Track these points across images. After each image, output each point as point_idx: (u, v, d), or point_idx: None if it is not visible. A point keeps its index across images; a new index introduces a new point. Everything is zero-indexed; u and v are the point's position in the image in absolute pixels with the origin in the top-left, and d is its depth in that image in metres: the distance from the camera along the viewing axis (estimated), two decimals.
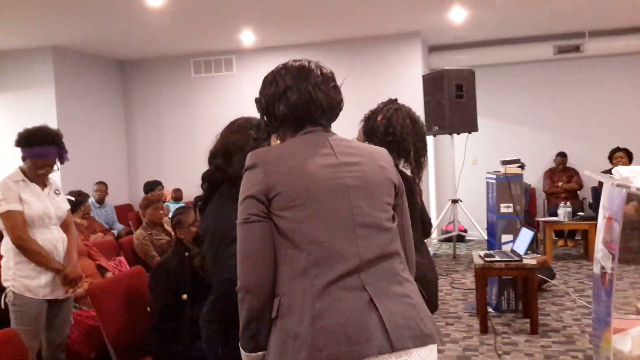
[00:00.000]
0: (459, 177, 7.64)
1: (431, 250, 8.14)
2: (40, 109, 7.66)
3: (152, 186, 7.84)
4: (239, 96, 8.64)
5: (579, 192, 8.62)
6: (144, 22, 6.85)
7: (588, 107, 9.03)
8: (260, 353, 1.62)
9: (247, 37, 7.90)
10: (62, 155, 3.34)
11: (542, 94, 9.20)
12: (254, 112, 2.33)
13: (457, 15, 7.21)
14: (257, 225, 1.59)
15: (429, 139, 8.29)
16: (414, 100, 7.38)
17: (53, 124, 3.43)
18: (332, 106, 1.75)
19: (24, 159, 3.31)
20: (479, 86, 7.49)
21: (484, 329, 4.73)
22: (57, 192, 3.46)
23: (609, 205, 2.65)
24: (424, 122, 7.09)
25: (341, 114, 1.81)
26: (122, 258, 4.90)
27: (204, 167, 2.27)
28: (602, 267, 2.63)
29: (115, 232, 7.19)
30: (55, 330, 3.37)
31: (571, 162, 8.76)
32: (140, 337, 3.27)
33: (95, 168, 8.22)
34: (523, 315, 5.07)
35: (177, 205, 7.78)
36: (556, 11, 7.35)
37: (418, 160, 2.47)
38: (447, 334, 4.72)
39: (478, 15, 7.27)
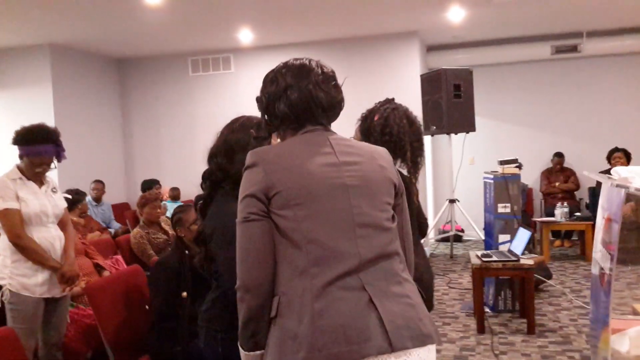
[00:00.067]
0: (457, 177, 7.65)
1: (428, 250, 8.14)
2: (38, 107, 7.64)
3: (149, 185, 7.83)
4: (236, 95, 8.64)
5: (576, 192, 8.63)
6: (142, 20, 6.84)
7: (585, 107, 9.05)
8: (258, 352, 1.62)
9: (245, 35, 7.89)
10: (59, 154, 3.33)
11: (539, 94, 9.21)
12: (252, 111, 2.34)
13: (456, 15, 7.22)
14: (256, 224, 1.59)
15: (427, 139, 8.36)
16: (412, 100, 7.37)
17: (50, 122, 3.41)
18: (333, 105, 1.75)
19: (21, 157, 3.30)
20: (476, 86, 7.50)
21: (480, 329, 4.73)
22: (55, 190, 3.45)
23: (608, 205, 2.66)
24: (422, 122, 7.10)
25: None
26: (119, 257, 4.89)
27: (202, 165, 2.26)
28: (601, 268, 2.63)
29: (112, 230, 7.18)
30: (51, 329, 3.36)
31: (568, 163, 8.78)
32: (137, 336, 3.27)
33: (92, 166, 8.20)
34: (520, 315, 5.08)
35: (174, 204, 7.77)
36: (554, 11, 7.36)
37: (415, 161, 2.47)
38: (444, 334, 4.72)
39: (476, 15, 7.27)
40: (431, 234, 8.14)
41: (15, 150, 3.30)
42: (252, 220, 1.59)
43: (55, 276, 3.26)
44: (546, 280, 5.94)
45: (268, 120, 1.77)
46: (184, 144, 9.00)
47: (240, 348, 1.66)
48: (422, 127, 2.56)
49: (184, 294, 3.12)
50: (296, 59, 1.77)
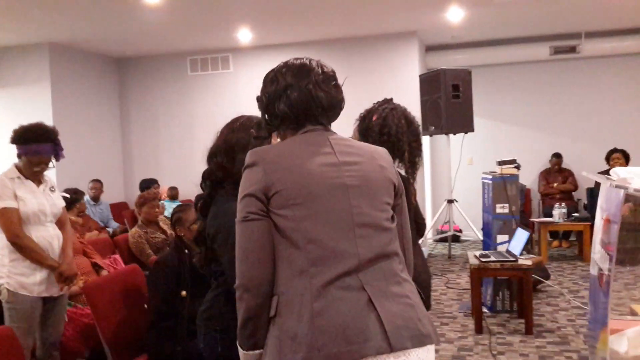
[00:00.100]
0: (455, 177, 7.65)
1: (426, 250, 8.14)
2: (36, 106, 7.63)
3: (148, 184, 7.81)
4: (235, 94, 8.63)
5: (574, 193, 8.64)
6: (141, 20, 6.83)
7: (584, 108, 9.06)
8: (257, 351, 1.62)
9: (244, 35, 7.89)
10: (57, 153, 3.32)
11: (538, 95, 9.22)
12: (250, 111, 2.34)
13: (455, 15, 7.22)
14: (256, 224, 1.59)
15: (425, 139, 8.37)
16: (411, 100, 7.38)
17: (49, 121, 3.41)
18: (333, 105, 1.75)
19: (19, 156, 3.30)
20: (475, 86, 7.50)
21: (478, 329, 4.74)
22: (53, 189, 3.45)
23: (607, 206, 2.66)
24: (421, 122, 7.11)
25: None
26: (117, 256, 4.89)
27: (201, 165, 2.25)
28: (600, 269, 2.64)
29: (110, 230, 7.17)
30: (49, 328, 3.36)
31: (566, 163, 8.79)
32: (136, 336, 3.26)
33: (90, 165, 8.19)
34: (518, 315, 5.08)
35: (172, 204, 7.77)
36: (553, 12, 7.36)
37: (413, 161, 2.47)
38: (442, 334, 4.72)
39: (475, 15, 7.27)
40: (429, 234, 8.14)
41: (13, 149, 3.29)
42: (252, 220, 1.59)
43: (53, 275, 3.25)
44: (544, 281, 5.95)
45: (268, 120, 1.77)
46: (183, 144, 8.99)
47: (239, 347, 1.66)
48: (420, 128, 2.56)
49: (184, 293, 3.11)
50: (297, 59, 1.77)
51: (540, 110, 9.22)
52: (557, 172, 8.69)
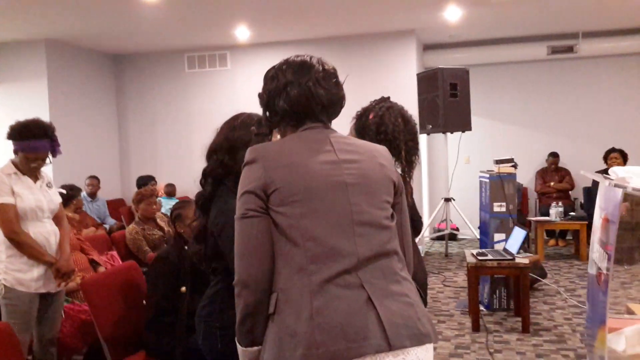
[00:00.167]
0: (452, 175, 7.66)
1: (423, 249, 8.16)
2: (33, 102, 7.60)
3: (145, 181, 7.80)
4: (232, 92, 8.62)
5: (570, 192, 8.66)
6: (138, 16, 6.81)
7: (581, 108, 9.08)
8: (256, 348, 1.62)
9: (242, 32, 7.87)
10: (54, 149, 3.31)
11: (535, 94, 9.24)
12: (247, 108, 2.34)
13: (453, 14, 7.22)
14: (255, 221, 1.59)
15: (423, 137, 8.38)
16: (408, 99, 7.40)
17: (45, 118, 3.40)
18: (333, 102, 1.74)
19: (16, 152, 3.28)
20: (472, 85, 7.51)
21: (475, 327, 4.75)
22: (49, 185, 3.44)
23: (605, 205, 2.66)
24: (418, 121, 7.11)
25: None
26: (114, 253, 4.88)
27: (198, 162, 2.25)
28: (598, 268, 2.64)
29: (107, 226, 7.15)
30: (46, 324, 3.35)
31: (563, 162, 8.80)
32: (133, 332, 3.26)
33: (87, 162, 8.17)
34: (515, 313, 5.10)
35: (169, 200, 7.76)
36: (550, 12, 7.37)
37: (409, 160, 2.47)
38: (439, 332, 4.72)
39: (473, 14, 7.28)
40: (426, 232, 8.15)
41: (9, 145, 3.28)
42: (251, 217, 1.59)
43: (50, 271, 3.25)
44: (541, 279, 5.96)
45: (268, 117, 1.77)
46: (180, 141, 8.97)
47: (237, 344, 1.66)
48: (417, 126, 2.55)
49: (183, 289, 3.11)
50: (297, 56, 1.77)
51: (537, 109, 9.23)
52: (553, 171, 8.71)
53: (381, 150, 1.78)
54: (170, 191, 8.21)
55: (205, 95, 8.94)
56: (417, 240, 2.70)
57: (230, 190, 2.06)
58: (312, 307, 1.51)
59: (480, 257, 4.79)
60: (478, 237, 6.46)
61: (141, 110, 9.22)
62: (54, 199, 3.42)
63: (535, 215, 8.32)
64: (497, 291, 5.30)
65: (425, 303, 2.52)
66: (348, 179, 1.63)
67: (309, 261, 1.54)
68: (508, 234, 5.20)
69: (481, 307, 5.16)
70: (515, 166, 5.63)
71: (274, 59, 1.81)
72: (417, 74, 7.91)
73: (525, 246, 5.58)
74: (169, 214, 5.91)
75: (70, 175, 7.09)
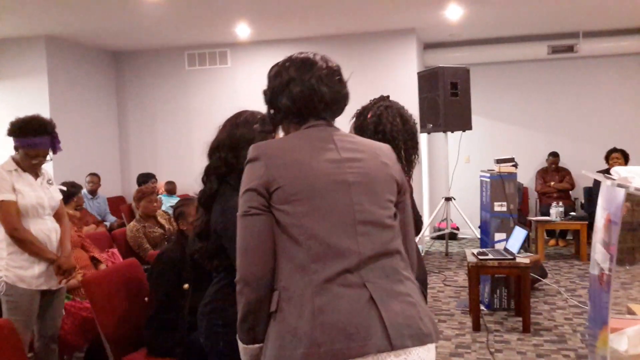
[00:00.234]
0: (453, 175, 7.66)
1: (424, 248, 8.15)
2: (33, 99, 7.59)
3: (145, 178, 7.78)
4: (233, 90, 8.61)
5: (571, 192, 8.65)
6: (139, 14, 6.80)
7: (581, 107, 9.08)
8: (257, 345, 1.62)
9: (243, 30, 7.86)
10: (55, 145, 3.30)
11: (535, 94, 9.23)
12: (248, 106, 2.34)
13: (453, 13, 7.21)
14: (257, 219, 1.58)
15: (423, 137, 8.38)
16: (409, 98, 7.40)
17: (46, 114, 3.39)
18: (336, 100, 1.74)
19: (16, 148, 3.27)
20: (472, 84, 7.50)
21: (476, 327, 4.74)
22: (50, 182, 3.43)
23: (607, 205, 2.65)
24: (419, 120, 7.09)
25: None
26: (115, 250, 4.87)
27: (198, 159, 2.24)
28: (600, 268, 2.63)
29: (107, 224, 7.14)
30: (47, 321, 3.35)
31: (563, 162, 8.80)
32: (135, 329, 3.26)
33: (87, 159, 8.16)
34: (515, 313, 5.09)
35: (170, 198, 7.75)
36: (551, 11, 7.37)
37: (409, 159, 2.46)
38: (440, 331, 4.72)
39: (474, 13, 7.27)
40: (426, 231, 8.15)
41: (10, 142, 3.26)
42: (253, 215, 1.58)
43: (51, 268, 3.24)
44: (542, 279, 5.96)
45: (272, 114, 1.76)
46: (180, 138, 8.97)
47: (238, 341, 1.66)
48: (416, 126, 2.54)
49: (186, 285, 3.11)
50: (300, 53, 1.76)
51: (537, 109, 9.23)
52: (554, 171, 8.70)
53: (384, 148, 1.78)
54: (171, 189, 8.20)
55: (205, 92, 8.92)
56: (417, 239, 2.69)
57: (233, 188, 2.05)
58: (314, 306, 1.50)
59: (481, 257, 4.78)
60: (478, 236, 6.46)
61: (141, 108, 9.21)
62: (55, 196, 3.41)
63: (536, 215, 8.31)
64: (498, 291, 5.29)
65: (425, 302, 2.52)
66: (350, 178, 1.63)
67: (311, 260, 1.54)
68: (509, 233, 5.20)
69: (482, 307, 5.16)
70: (515, 166, 5.63)
71: (274, 56, 1.80)
72: (418, 73, 7.90)
73: (525, 246, 5.58)
74: (169, 212, 5.93)
75: (71, 172, 7.07)
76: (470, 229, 7.40)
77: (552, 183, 8.56)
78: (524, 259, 4.73)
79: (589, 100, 9.05)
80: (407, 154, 2.45)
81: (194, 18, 7.19)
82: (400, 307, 1.56)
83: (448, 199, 7.65)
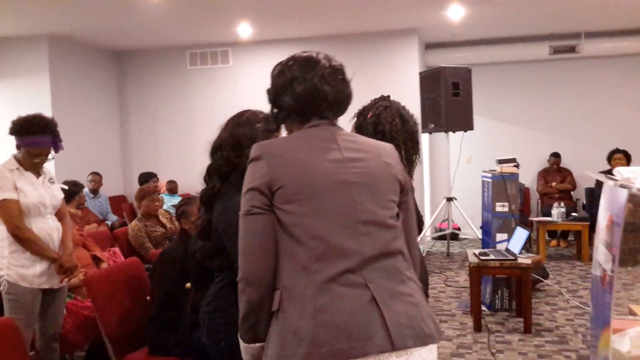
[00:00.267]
0: (454, 175, 7.65)
1: (425, 248, 8.15)
2: (35, 98, 7.58)
3: (146, 178, 7.79)
4: (234, 89, 8.60)
5: (572, 192, 8.64)
6: (141, 13, 6.80)
7: (583, 108, 9.07)
8: (258, 344, 1.62)
9: (244, 29, 7.85)
10: (56, 144, 3.30)
11: (537, 94, 9.22)
12: (249, 105, 2.34)
13: (455, 13, 7.20)
14: (259, 218, 1.58)
15: (425, 137, 8.37)
16: (411, 98, 7.39)
17: (47, 113, 3.39)
18: (339, 99, 1.73)
19: (18, 147, 3.27)
20: (474, 85, 7.49)
21: (477, 327, 4.74)
22: (52, 180, 3.43)
23: (610, 206, 2.65)
24: (420, 120, 7.08)
25: None
26: (116, 249, 4.87)
27: (200, 159, 2.24)
28: (603, 269, 2.63)
29: (109, 223, 7.15)
30: (49, 320, 3.34)
31: (565, 163, 8.79)
32: (136, 328, 3.26)
33: (89, 158, 8.16)
34: (516, 314, 5.09)
35: (172, 197, 7.76)
36: (552, 11, 7.36)
37: (409, 159, 2.46)
38: (441, 331, 4.72)
39: (475, 13, 7.26)
40: (428, 231, 8.14)
41: (12, 141, 3.26)
42: (255, 214, 1.59)
43: (53, 267, 3.24)
44: (543, 280, 5.95)
45: (275, 113, 1.76)
46: (181, 138, 8.97)
47: (240, 340, 1.66)
48: (417, 125, 2.53)
49: (188, 284, 3.11)
50: (304, 52, 1.76)
51: (539, 109, 9.22)
52: (555, 171, 8.69)
53: (388, 148, 1.77)
54: (172, 188, 8.20)
55: (207, 92, 8.92)
56: (418, 239, 2.69)
57: (235, 187, 2.05)
58: (315, 305, 1.50)
59: (482, 257, 4.78)
60: (480, 237, 6.45)
61: (143, 107, 9.21)
62: (57, 194, 3.41)
63: (537, 216, 8.30)
64: (499, 291, 5.29)
65: (427, 301, 2.52)
66: (353, 178, 1.62)
67: (313, 260, 1.54)
68: (510, 234, 5.19)
69: (483, 307, 5.15)
70: (517, 166, 5.62)
71: (275, 56, 1.80)
72: (420, 73, 7.90)
73: (526, 246, 5.57)
74: (171, 211, 5.93)
75: (72, 171, 7.07)
76: (472, 230, 7.40)
77: (554, 184, 8.55)
78: (525, 260, 4.73)
79: (590, 100, 9.04)
80: (408, 154, 2.44)
81: (196, 17, 7.19)
82: (402, 307, 1.56)
83: (449, 199, 7.64)
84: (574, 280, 6.34)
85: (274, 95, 1.74)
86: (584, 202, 8.55)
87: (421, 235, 4.86)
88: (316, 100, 1.69)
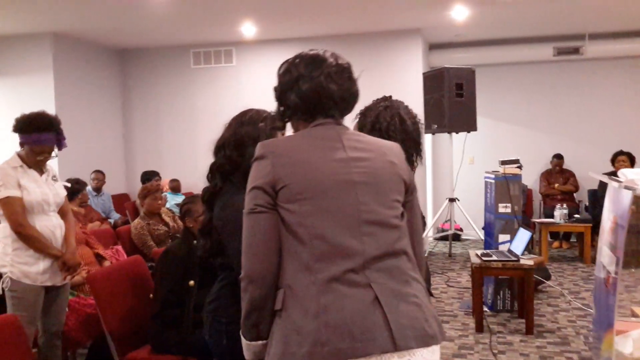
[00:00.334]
0: (457, 176, 7.64)
1: (427, 249, 8.14)
2: (39, 95, 7.60)
3: (149, 176, 7.79)
4: (238, 88, 8.60)
5: (575, 194, 8.63)
6: (145, 11, 6.81)
7: (586, 110, 9.05)
8: (260, 342, 1.62)
9: (248, 29, 7.86)
10: (60, 142, 3.30)
11: (541, 95, 9.21)
12: (252, 105, 2.34)
13: (459, 14, 7.19)
14: (262, 216, 1.59)
15: (428, 137, 8.36)
16: (414, 98, 7.38)
17: (51, 111, 3.39)
18: (345, 98, 1.73)
19: (21, 144, 3.27)
20: (478, 85, 7.47)
21: (479, 328, 4.74)
22: (55, 178, 3.43)
23: (614, 207, 2.65)
24: (423, 120, 7.08)
25: None
26: (119, 247, 4.87)
27: (203, 158, 2.25)
28: (607, 271, 2.63)
29: (111, 221, 7.16)
30: (51, 317, 3.35)
31: (568, 164, 8.78)
32: (139, 326, 3.26)
33: (92, 156, 8.17)
34: (518, 315, 5.08)
35: (175, 196, 7.76)
36: (557, 13, 7.34)
37: (409, 159, 2.45)
38: (445, 333, 4.71)
39: (480, 14, 7.25)
40: (430, 232, 8.13)
41: (16, 138, 3.27)
42: (259, 212, 1.59)
43: (56, 264, 3.24)
44: (545, 281, 5.94)
45: (281, 111, 1.76)
46: (184, 136, 8.97)
47: (242, 337, 1.67)
48: (418, 125, 2.51)
49: (191, 282, 3.11)
50: (311, 50, 1.76)
51: (542, 110, 9.21)
52: (558, 173, 8.68)
53: (393, 147, 1.77)
54: (175, 186, 8.20)
55: (210, 91, 8.93)
56: None
57: (236, 186, 2.06)
58: (318, 305, 1.50)
59: (485, 258, 4.78)
60: (482, 237, 6.44)
61: (146, 105, 9.22)
62: (60, 192, 3.41)
63: (540, 217, 8.29)
64: (501, 292, 5.28)
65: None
66: (356, 178, 1.62)
67: (315, 259, 1.54)
68: (513, 235, 5.19)
69: (485, 308, 5.14)
70: (520, 167, 5.61)
71: (279, 56, 1.80)
72: (423, 74, 7.89)
73: (528, 248, 5.56)
74: (173, 210, 5.94)
75: (75, 169, 7.09)
76: (474, 230, 7.38)
77: (556, 185, 8.54)
78: (527, 261, 4.72)
79: (594, 102, 9.02)
80: (407, 153, 2.43)
81: (200, 16, 7.19)
82: (406, 308, 1.56)
83: (452, 200, 7.63)
84: (576, 281, 6.33)
85: (280, 93, 1.74)
86: (587, 203, 8.52)
87: (423, 235, 4.87)
88: (322, 99, 1.69)
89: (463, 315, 5.20)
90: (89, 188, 6.94)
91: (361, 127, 2.46)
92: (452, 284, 6.32)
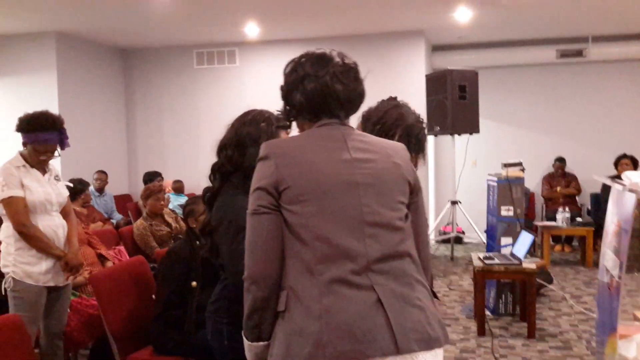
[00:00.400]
0: (459, 178, 7.63)
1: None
2: (42, 95, 7.61)
3: (151, 177, 7.79)
4: (241, 89, 8.61)
5: (577, 197, 8.62)
6: (148, 11, 6.82)
7: (589, 113, 9.04)
8: (262, 343, 1.62)
9: (251, 29, 7.86)
10: (63, 141, 3.29)
11: (543, 98, 9.20)
12: (255, 105, 2.34)
13: (463, 16, 7.20)
14: (265, 217, 1.58)
15: (430, 139, 8.35)
16: (417, 100, 7.38)
17: (54, 110, 3.39)
18: (351, 98, 1.72)
19: (24, 144, 3.27)
20: (480, 88, 7.47)
21: (481, 332, 4.72)
22: (57, 178, 3.42)
23: (617, 211, 2.64)
24: (426, 122, 7.07)
25: None
26: (122, 247, 4.87)
27: (205, 158, 2.24)
28: (611, 275, 2.62)
29: (114, 221, 7.15)
30: (53, 318, 3.34)
31: (570, 168, 8.76)
32: (141, 327, 3.25)
33: (95, 156, 8.18)
34: (520, 319, 5.06)
35: (177, 197, 7.76)
36: (560, 15, 7.35)
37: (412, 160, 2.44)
38: (448, 336, 4.69)
39: (483, 16, 7.25)
40: (432, 235, 8.13)
41: (19, 137, 3.26)
42: (261, 213, 1.59)
43: (59, 265, 3.24)
44: (547, 285, 5.92)
45: (287, 110, 1.75)
46: (187, 137, 8.98)
47: (244, 338, 1.66)
48: (421, 124, 2.49)
49: (194, 283, 3.11)
50: (318, 49, 1.75)
51: (545, 113, 9.20)
52: (560, 176, 8.66)
53: (398, 148, 1.76)
54: (178, 187, 8.20)
55: (213, 91, 8.93)
56: None
57: (235, 187, 2.06)
58: (321, 306, 1.50)
59: (487, 261, 4.76)
60: (484, 240, 6.43)
61: (149, 105, 9.23)
62: (62, 192, 3.40)
63: (542, 221, 8.27)
64: (503, 296, 5.27)
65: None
66: (360, 179, 1.62)
67: (318, 261, 1.54)
68: (515, 238, 5.17)
69: (486, 312, 5.13)
70: (523, 170, 5.60)
71: (282, 56, 1.80)
72: (426, 75, 7.89)
73: (530, 251, 5.55)
74: (176, 210, 5.94)
75: (78, 169, 7.09)
76: (476, 233, 7.38)
77: (559, 188, 8.53)
78: (530, 264, 4.71)
79: (597, 105, 9.01)
80: (410, 154, 2.42)
81: (203, 17, 7.20)
82: (409, 310, 1.55)
83: (454, 203, 7.62)
84: (578, 285, 6.31)
85: (287, 92, 1.73)
86: (589, 207, 8.51)
87: None
88: (327, 99, 1.68)
89: (465, 318, 5.19)
90: (91, 188, 6.94)
91: (365, 127, 2.46)
92: (454, 287, 6.31)
